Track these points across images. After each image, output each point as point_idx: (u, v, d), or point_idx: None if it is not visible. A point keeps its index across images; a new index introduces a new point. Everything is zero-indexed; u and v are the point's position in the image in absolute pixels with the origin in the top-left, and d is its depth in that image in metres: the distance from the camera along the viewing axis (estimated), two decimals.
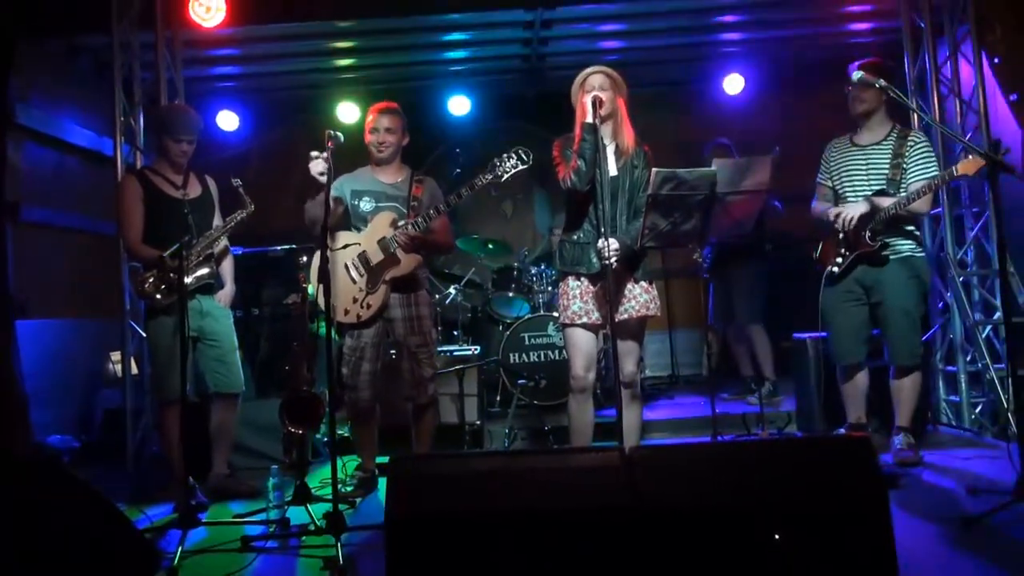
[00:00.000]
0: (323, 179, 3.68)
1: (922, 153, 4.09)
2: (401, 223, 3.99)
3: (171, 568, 3.02)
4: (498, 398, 5.71)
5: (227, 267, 4.32)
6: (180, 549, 3.10)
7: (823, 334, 4.45)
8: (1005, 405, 4.63)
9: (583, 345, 3.69)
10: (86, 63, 6.11)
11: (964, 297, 5.11)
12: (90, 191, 6.04)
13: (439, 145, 7.47)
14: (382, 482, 4.17)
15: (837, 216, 4.12)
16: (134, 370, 5.07)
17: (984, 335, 5.03)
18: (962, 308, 5.11)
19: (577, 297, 3.67)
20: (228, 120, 7.01)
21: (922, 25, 5.27)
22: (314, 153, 3.78)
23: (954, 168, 3.92)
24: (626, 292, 3.67)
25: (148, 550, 3.05)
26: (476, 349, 5.55)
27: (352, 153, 4.07)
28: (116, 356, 5.54)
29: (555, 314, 5.27)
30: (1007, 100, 5.49)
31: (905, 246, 4.12)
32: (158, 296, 3.96)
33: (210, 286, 4.15)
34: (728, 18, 6.34)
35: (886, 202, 4.03)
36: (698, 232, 3.54)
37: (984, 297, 5.20)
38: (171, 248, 3.56)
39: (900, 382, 4.22)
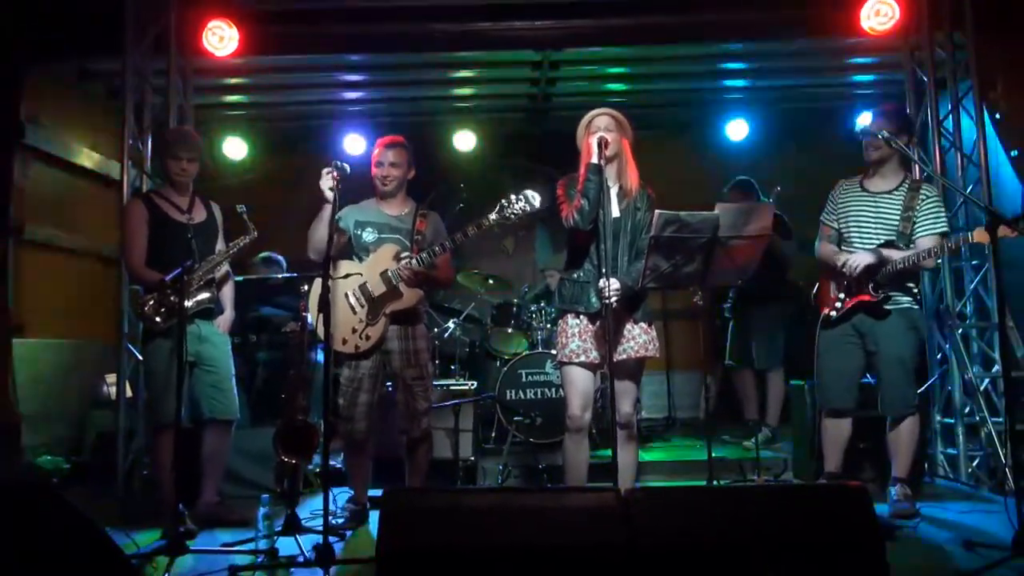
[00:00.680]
0: (330, 194, 3.72)
1: (932, 208, 4.06)
2: (404, 256, 4.00)
3: None
4: (493, 434, 5.67)
5: (228, 293, 4.32)
6: None
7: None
8: (1003, 459, 4.60)
9: (580, 384, 3.68)
10: (97, 87, 6.19)
11: (963, 349, 5.10)
12: (95, 213, 6.08)
13: (444, 180, 7.50)
14: (373, 515, 4.13)
15: (844, 263, 4.12)
16: (129, 393, 5.05)
17: (982, 388, 5.01)
18: (961, 360, 5.10)
19: (576, 336, 3.67)
20: (235, 148, 7.06)
21: (925, 79, 5.34)
22: (326, 170, 3.80)
23: (970, 234, 3.90)
24: (625, 332, 3.67)
25: None
26: (473, 384, 5.53)
27: (358, 185, 4.10)
28: (111, 378, 5.52)
29: (553, 352, 5.26)
30: (1008, 155, 5.55)
31: (904, 299, 4.11)
32: (157, 319, 3.96)
33: (210, 311, 4.15)
34: (733, 65, 6.43)
35: (896, 255, 4.00)
36: (700, 275, 3.56)
37: (983, 350, 5.20)
38: (173, 272, 3.57)
39: (896, 431, 4.18)
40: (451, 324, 6.17)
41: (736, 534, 2.32)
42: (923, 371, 4.87)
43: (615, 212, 3.66)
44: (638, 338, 3.68)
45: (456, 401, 4.91)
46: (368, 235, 4.10)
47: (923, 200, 4.07)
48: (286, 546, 3.54)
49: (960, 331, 5.14)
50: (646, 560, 2.23)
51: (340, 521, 4.10)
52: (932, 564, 3.34)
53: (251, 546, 3.58)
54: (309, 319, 4.15)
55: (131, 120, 5.15)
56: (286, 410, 4.05)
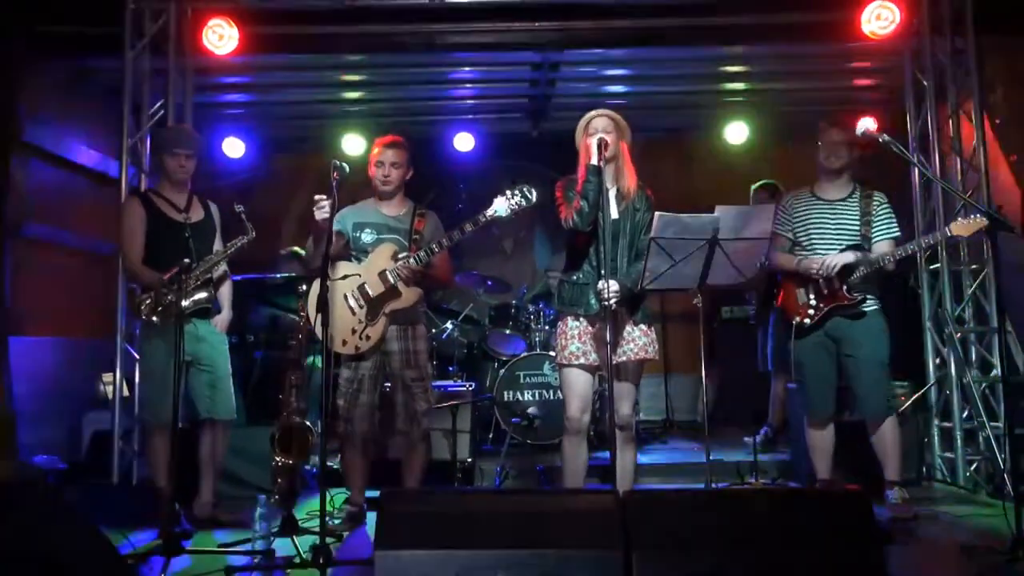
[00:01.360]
0: (326, 225, 3.71)
1: (887, 213, 4.22)
2: (402, 256, 3.99)
3: None
4: (491, 436, 5.66)
5: (225, 292, 4.31)
6: None
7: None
8: (1001, 464, 4.60)
9: (579, 386, 3.67)
10: (96, 85, 6.17)
11: (961, 354, 5.10)
12: (93, 211, 6.06)
13: (443, 180, 7.51)
14: (371, 516, 4.12)
15: (822, 265, 4.12)
16: (125, 392, 5.03)
17: (980, 392, 5.01)
18: (959, 365, 5.10)
19: (575, 337, 3.66)
20: (234, 147, 7.05)
21: (925, 83, 5.33)
22: (318, 197, 3.80)
23: (948, 228, 3.99)
24: (624, 334, 3.67)
25: None
26: (471, 385, 5.51)
27: (356, 185, 4.09)
28: (108, 377, 5.50)
29: (551, 353, 5.26)
30: (1008, 160, 5.55)
31: (872, 301, 4.19)
32: (154, 318, 3.95)
33: (207, 310, 4.14)
34: (733, 68, 6.42)
35: (872, 254, 4.10)
36: (699, 277, 3.55)
37: (981, 354, 5.19)
38: (171, 271, 3.56)
39: (880, 435, 4.17)
40: (449, 325, 6.16)
41: (734, 537, 2.31)
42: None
43: (614, 214, 3.65)
44: (637, 340, 3.68)
45: (454, 402, 4.90)
46: (366, 236, 4.09)
47: (878, 206, 4.22)
48: (283, 547, 3.54)
49: (959, 335, 5.14)
50: (644, 563, 2.23)
51: (337, 522, 4.09)
52: (931, 568, 3.33)
53: (248, 547, 3.57)
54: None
55: (130, 118, 5.14)
56: (283, 410, 4.03)
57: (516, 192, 3.86)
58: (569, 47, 5.79)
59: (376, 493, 2.96)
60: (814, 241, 4.25)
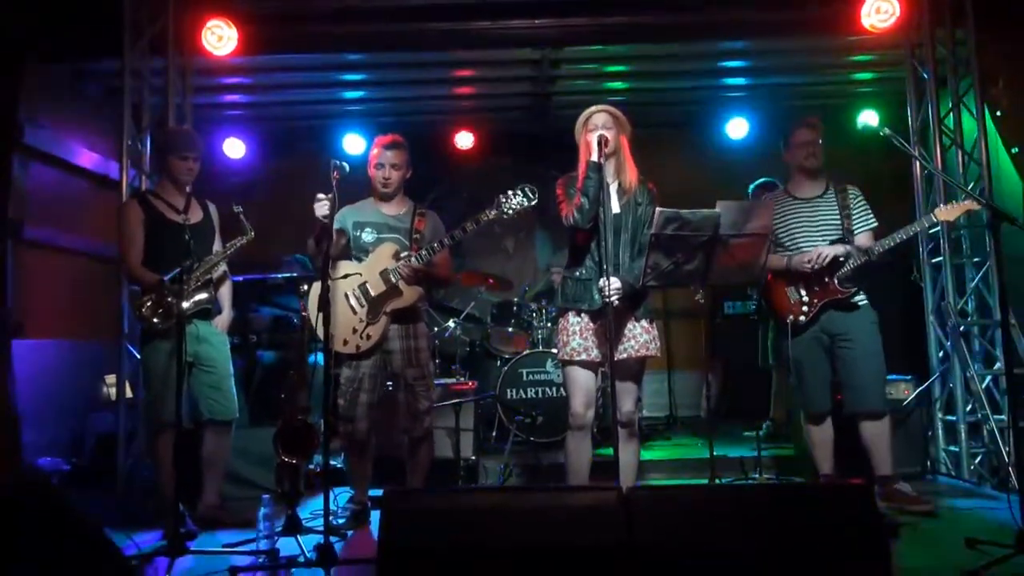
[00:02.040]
0: (326, 221, 3.72)
1: (863, 206, 4.26)
2: (403, 255, 3.99)
3: None
4: (494, 434, 5.66)
5: (225, 293, 4.31)
6: None
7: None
8: (1005, 457, 4.59)
9: (582, 383, 3.67)
10: (95, 86, 6.17)
11: (964, 347, 5.09)
12: (94, 213, 6.06)
13: (443, 179, 7.51)
14: (375, 515, 4.12)
15: (817, 256, 4.11)
16: (129, 393, 5.04)
17: (984, 386, 5.00)
18: (962, 358, 5.09)
19: (577, 334, 3.66)
20: (234, 147, 7.05)
21: (926, 76, 5.33)
22: (319, 196, 3.81)
23: (932, 214, 4.00)
24: (626, 331, 3.66)
25: None
26: (473, 383, 5.51)
27: (356, 184, 4.08)
28: (111, 379, 5.51)
29: (554, 350, 5.25)
30: (1009, 152, 5.54)
31: (862, 295, 4.21)
32: (155, 320, 3.95)
33: (207, 311, 4.14)
34: (733, 63, 6.41)
35: (862, 245, 4.11)
36: (701, 273, 3.54)
37: (984, 347, 5.19)
38: (171, 273, 3.56)
39: (877, 428, 4.13)
40: (451, 323, 6.16)
41: (738, 533, 2.31)
42: None
43: (615, 208, 3.64)
44: (639, 337, 3.67)
45: (457, 400, 4.90)
46: (367, 235, 4.09)
47: (854, 199, 4.26)
48: (287, 546, 3.53)
49: (962, 328, 5.13)
50: (648, 559, 2.22)
51: (341, 521, 4.09)
52: (935, 562, 3.33)
53: (252, 547, 3.57)
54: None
55: (130, 120, 5.14)
56: (286, 410, 4.03)
57: (518, 192, 3.86)
58: (568, 44, 5.78)
59: (380, 492, 2.96)
60: (798, 240, 4.25)
